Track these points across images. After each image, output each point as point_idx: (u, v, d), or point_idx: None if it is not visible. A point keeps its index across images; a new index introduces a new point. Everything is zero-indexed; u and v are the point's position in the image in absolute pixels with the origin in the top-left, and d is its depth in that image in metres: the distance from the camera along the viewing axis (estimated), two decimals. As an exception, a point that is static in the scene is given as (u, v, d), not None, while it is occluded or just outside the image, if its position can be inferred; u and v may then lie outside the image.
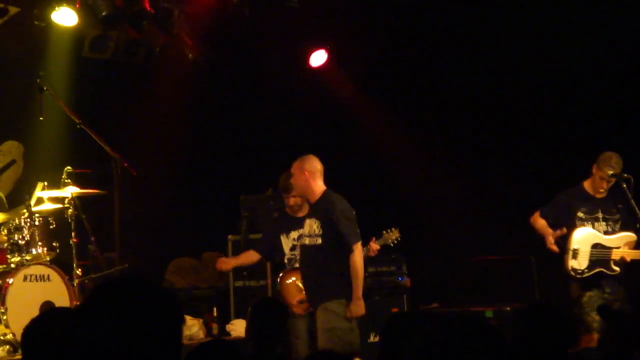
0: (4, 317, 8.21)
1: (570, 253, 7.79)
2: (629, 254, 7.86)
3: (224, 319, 10.17)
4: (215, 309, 10.40)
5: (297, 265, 8.31)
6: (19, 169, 9.58)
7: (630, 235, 7.92)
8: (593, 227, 7.91)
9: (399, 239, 8.35)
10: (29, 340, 3.62)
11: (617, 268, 7.83)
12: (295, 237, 8.35)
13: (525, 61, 10.74)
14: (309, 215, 7.63)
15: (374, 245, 8.23)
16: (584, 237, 7.83)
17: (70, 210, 9.04)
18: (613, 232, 7.94)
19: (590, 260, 7.78)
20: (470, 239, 10.75)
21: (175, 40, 10.42)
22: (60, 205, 9.24)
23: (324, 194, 7.45)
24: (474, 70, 11.01)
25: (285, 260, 8.46)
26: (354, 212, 7.43)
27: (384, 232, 8.34)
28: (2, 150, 9.44)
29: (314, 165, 7.50)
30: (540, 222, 8.07)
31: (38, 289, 8.48)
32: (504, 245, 10.46)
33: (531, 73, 10.80)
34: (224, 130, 11.86)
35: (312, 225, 7.46)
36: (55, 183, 9.25)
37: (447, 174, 11.24)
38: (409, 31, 11.13)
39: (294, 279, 8.20)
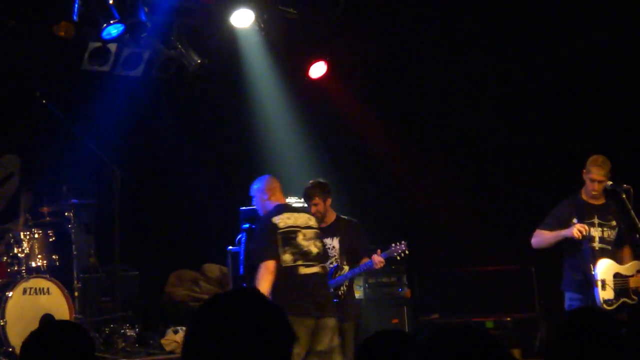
0: (4, 331, 8.19)
1: (600, 284, 7.73)
2: None
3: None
4: (215, 320, 10.36)
5: None
6: (16, 182, 9.57)
7: (638, 263, 7.90)
8: (589, 232, 7.85)
9: (407, 252, 8.29)
10: (28, 354, 3.61)
11: (635, 297, 7.81)
12: None
13: (526, 71, 10.74)
14: None
15: (377, 258, 8.17)
16: (606, 268, 7.79)
17: (69, 222, 9.04)
18: (609, 239, 7.90)
19: (615, 291, 7.75)
20: (470, 249, 10.74)
21: (175, 52, 10.41)
22: (59, 218, 9.24)
23: (267, 211, 7.64)
24: (475, 82, 11.01)
25: None
26: (269, 227, 7.43)
27: (392, 244, 8.31)
28: (1, 164, 9.44)
29: (271, 184, 7.71)
30: (546, 233, 8.01)
31: (38, 302, 8.48)
32: (504, 255, 10.46)
33: (531, 84, 10.81)
34: (223, 141, 11.86)
35: None
36: (54, 196, 9.25)
37: (447, 184, 11.24)
38: (410, 40, 11.13)
39: None
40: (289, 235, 7.42)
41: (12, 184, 9.54)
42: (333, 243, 8.35)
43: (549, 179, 10.38)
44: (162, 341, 9.68)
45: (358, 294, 9.85)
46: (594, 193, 7.90)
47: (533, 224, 8.16)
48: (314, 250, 7.49)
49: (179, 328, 9.76)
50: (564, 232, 7.86)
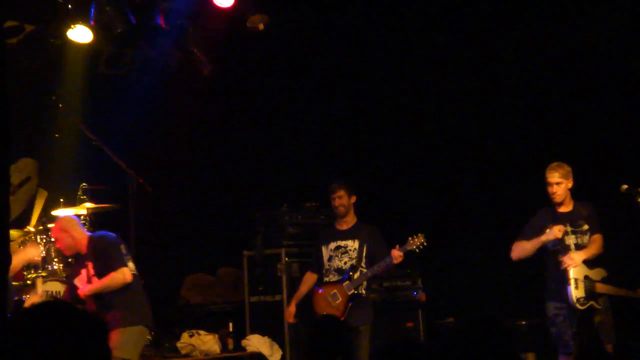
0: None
1: (573, 282, 7.80)
2: (610, 290, 7.91)
3: (240, 334, 10.18)
4: (230, 324, 10.41)
5: (331, 276, 8.38)
6: (34, 185, 9.63)
7: (603, 271, 7.95)
8: (565, 241, 7.93)
9: (425, 244, 8.29)
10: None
11: (601, 303, 7.86)
12: (333, 247, 8.44)
13: (535, 71, 10.70)
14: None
15: (396, 252, 8.17)
16: (578, 270, 7.86)
17: (86, 226, 9.08)
18: (583, 243, 7.95)
19: (585, 291, 7.82)
20: (485, 253, 10.71)
21: (190, 56, 10.45)
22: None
23: (89, 241, 7.64)
24: (488, 77, 10.95)
25: (323, 271, 8.51)
26: (115, 242, 7.61)
27: (410, 238, 8.31)
28: (18, 167, 9.49)
29: (68, 222, 7.72)
30: (524, 243, 8.07)
31: (54, 305, 8.50)
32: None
33: (548, 86, 10.77)
34: (239, 145, 11.88)
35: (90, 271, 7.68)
36: (70, 199, 9.29)
37: (463, 185, 11.20)
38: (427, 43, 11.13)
39: (322, 290, 8.38)
40: (125, 245, 7.70)
41: (31, 186, 9.60)
42: (354, 245, 8.39)
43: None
44: (178, 344, 9.72)
45: (373, 296, 9.86)
46: (553, 197, 7.99)
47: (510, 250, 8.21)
48: None
49: (194, 331, 9.79)
50: (543, 238, 7.95)
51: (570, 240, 7.94)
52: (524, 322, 9.74)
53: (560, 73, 10.46)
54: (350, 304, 8.22)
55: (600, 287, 7.86)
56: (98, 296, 7.54)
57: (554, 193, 7.98)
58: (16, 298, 8.44)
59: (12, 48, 9.29)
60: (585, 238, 7.97)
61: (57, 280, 8.68)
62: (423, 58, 11.20)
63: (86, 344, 2.40)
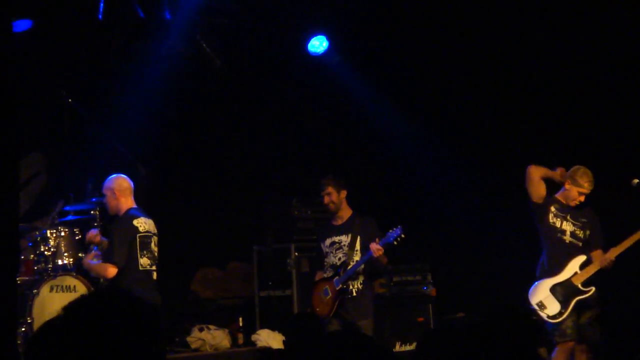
0: (31, 328, 8.24)
1: (537, 308, 8.02)
2: (593, 268, 8.02)
3: (250, 329, 10.19)
4: (240, 318, 10.42)
5: (328, 272, 8.38)
6: (43, 180, 9.64)
7: (581, 257, 8.09)
8: (561, 225, 8.15)
9: (403, 236, 8.23)
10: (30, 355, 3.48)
11: (586, 288, 7.97)
12: (328, 244, 8.43)
13: (547, 54, 10.64)
14: None
15: (375, 246, 8.11)
16: (537, 289, 8.11)
17: (95, 220, 9.09)
18: (579, 236, 8.14)
19: (559, 301, 7.96)
20: (496, 247, 10.68)
21: (197, 49, 10.44)
22: (85, 216, 9.30)
23: (124, 213, 7.71)
24: (490, 60, 10.87)
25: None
26: (131, 230, 7.57)
27: (389, 231, 8.29)
28: (27, 162, 9.49)
29: (120, 184, 7.80)
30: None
31: (64, 299, 8.50)
32: (531, 253, 10.38)
33: (554, 80, 10.73)
34: (249, 140, 11.87)
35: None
36: (80, 194, 9.30)
37: (473, 180, 11.17)
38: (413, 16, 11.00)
39: (318, 286, 8.44)
40: (146, 240, 7.67)
41: (39, 182, 9.61)
42: (347, 240, 8.37)
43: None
44: (188, 339, 9.73)
45: (383, 291, 9.85)
46: (577, 203, 8.16)
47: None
48: (156, 256, 7.77)
49: (204, 326, 9.80)
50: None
51: (568, 227, 8.16)
52: (534, 317, 9.72)
53: (565, 67, 10.43)
54: (337, 300, 8.20)
55: (578, 278, 7.98)
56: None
57: (581, 200, 8.17)
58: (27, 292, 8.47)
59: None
60: (582, 233, 8.18)
61: (67, 275, 8.68)
62: (421, 51, 11.15)
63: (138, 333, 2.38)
